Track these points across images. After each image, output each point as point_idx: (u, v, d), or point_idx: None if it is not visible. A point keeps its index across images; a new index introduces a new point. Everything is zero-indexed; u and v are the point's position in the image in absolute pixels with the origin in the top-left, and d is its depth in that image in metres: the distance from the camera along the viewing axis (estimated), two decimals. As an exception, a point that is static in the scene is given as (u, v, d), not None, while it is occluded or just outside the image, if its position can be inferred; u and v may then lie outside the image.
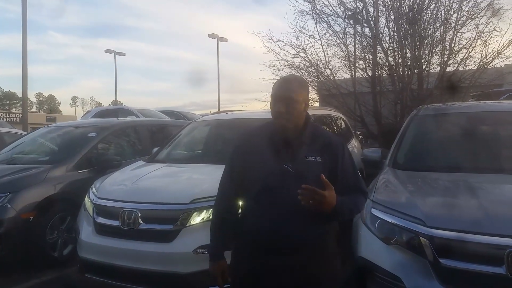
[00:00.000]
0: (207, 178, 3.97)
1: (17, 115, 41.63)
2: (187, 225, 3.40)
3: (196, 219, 3.42)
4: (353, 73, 9.34)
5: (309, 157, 2.07)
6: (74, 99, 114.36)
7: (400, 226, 2.74)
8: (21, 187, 4.78)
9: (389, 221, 2.83)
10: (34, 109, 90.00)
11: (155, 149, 5.28)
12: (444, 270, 2.47)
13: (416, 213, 2.73)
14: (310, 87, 9.53)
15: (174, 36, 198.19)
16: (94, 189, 4.11)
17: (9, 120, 35.41)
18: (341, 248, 2.35)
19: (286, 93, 2.07)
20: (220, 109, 21.72)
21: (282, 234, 2.02)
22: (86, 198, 4.12)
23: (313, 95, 10.13)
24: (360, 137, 9.26)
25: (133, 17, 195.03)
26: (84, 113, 17.83)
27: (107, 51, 34.44)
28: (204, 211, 3.43)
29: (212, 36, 29.55)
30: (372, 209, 3.00)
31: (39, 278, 4.56)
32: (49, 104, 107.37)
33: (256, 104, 9.78)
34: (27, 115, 16.07)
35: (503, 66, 8.82)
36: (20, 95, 17.90)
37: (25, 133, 8.87)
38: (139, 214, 3.51)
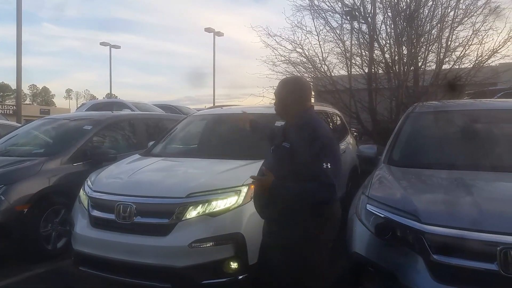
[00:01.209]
0: (203, 172, 3.99)
1: (11, 107, 41.29)
2: (183, 219, 3.40)
3: (192, 213, 3.42)
4: (349, 69, 9.34)
5: (284, 143, 2.56)
6: (68, 91, 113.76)
7: (395, 222, 2.76)
8: (15, 179, 4.76)
9: (384, 217, 2.85)
10: (27, 101, 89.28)
11: (151, 143, 5.27)
12: (438, 266, 2.49)
13: (410, 209, 2.74)
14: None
15: (170, 30, 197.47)
16: (89, 182, 4.09)
17: (2, 112, 35.12)
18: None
19: (277, 90, 2.70)
20: (216, 104, 21.72)
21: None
22: (81, 191, 4.11)
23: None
24: (355, 133, 9.26)
25: (129, 10, 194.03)
26: (79, 106, 17.74)
27: (102, 43, 34.29)
28: (200, 205, 3.44)
29: (208, 30, 29.50)
30: (367, 205, 3.02)
31: (32, 271, 4.55)
32: (43, 97, 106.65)
33: (251, 99, 9.75)
34: (21, 107, 15.98)
35: (497, 64, 8.85)
36: (14, 87, 17.79)
37: (19, 125, 8.82)
38: (135, 208, 3.50)
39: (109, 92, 37.25)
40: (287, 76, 8.68)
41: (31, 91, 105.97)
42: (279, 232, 2.55)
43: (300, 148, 2.44)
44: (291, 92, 2.64)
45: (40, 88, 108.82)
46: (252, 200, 2.87)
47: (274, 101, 2.74)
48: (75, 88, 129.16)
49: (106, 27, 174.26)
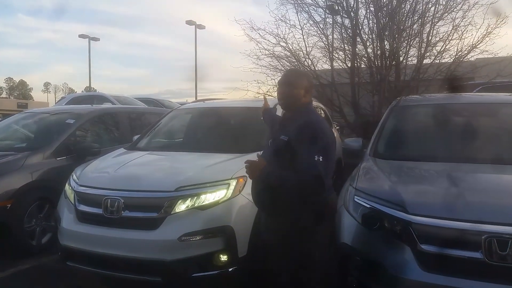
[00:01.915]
0: (191, 166, 3.98)
1: (-14, 101, 40.22)
2: (172, 212, 3.40)
3: (181, 206, 3.42)
4: (331, 63, 9.41)
5: (282, 136, 2.58)
6: (47, 85, 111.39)
7: (382, 213, 2.82)
8: (-3, 174, 4.66)
9: (372, 208, 2.91)
10: (4, 95, 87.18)
11: (136, 137, 5.23)
12: (425, 255, 2.56)
13: (397, 200, 2.81)
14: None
15: (150, 22, 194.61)
16: (75, 177, 4.05)
17: (-22, 106, 34.19)
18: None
19: (286, 79, 2.71)
20: (198, 98, 21.59)
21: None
22: (67, 186, 4.07)
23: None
24: (337, 127, 9.36)
25: (108, 2, 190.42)
26: (58, 99, 17.40)
27: (81, 36, 33.67)
28: (189, 199, 3.44)
29: (189, 23, 29.18)
30: (355, 196, 3.07)
31: (17, 267, 4.48)
32: (20, 90, 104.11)
33: (234, 93, 9.75)
34: (-1, 101, 15.60)
35: (474, 59, 9.04)
36: (-11, 80, 17.26)
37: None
38: (122, 202, 3.49)
39: (88, 85, 36.68)
40: (291, 67, 8.74)
41: (7, 85, 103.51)
42: (276, 226, 2.58)
43: (298, 142, 2.46)
44: (300, 84, 2.65)
45: (17, 82, 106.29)
46: (240, 193, 3.02)
47: (279, 88, 2.72)
48: (54, 82, 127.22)
49: (85, 19, 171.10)
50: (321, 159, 2.38)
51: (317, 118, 2.65)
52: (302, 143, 2.44)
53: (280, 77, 2.78)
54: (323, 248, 2.64)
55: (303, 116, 2.59)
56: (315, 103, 6.95)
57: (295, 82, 2.65)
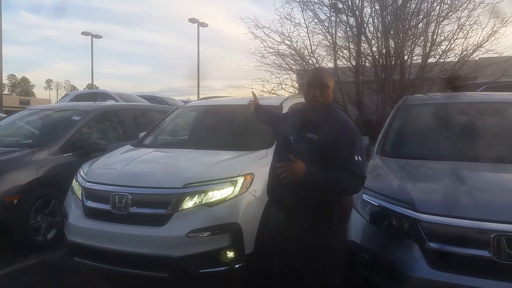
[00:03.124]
0: (198, 163, 3.99)
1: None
2: (179, 209, 3.41)
3: (189, 203, 3.43)
4: (335, 62, 9.41)
5: (310, 134, 2.52)
6: (49, 82, 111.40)
7: (391, 211, 2.84)
8: (4, 170, 4.68)
9: (380, 206, 2.93)
10: (6, 92, 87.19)
11: (142, 134, 5.25)
12: (433, 253, 2.58)
13: (406, 198, 2.82)
14: (295, 75, 9.64)
15: (153, 20, 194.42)
16: (82, 173, 4.07)
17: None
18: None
19: (320, 79, 2.60)
20: (200, 96, 21.61)
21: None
22: (74, 182, 4.08)
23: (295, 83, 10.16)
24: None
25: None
26: (62, 96, 17.41)
27: (84, 33, 33.62)
28: (197, 196, 3.45)
29: (192, 20, 29.20)
30: (363, 194, 3.08)
31: (23, 262, 4.50)
32: (22, 87, 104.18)
33: (239, 91, 9.75)
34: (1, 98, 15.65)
35: (478, 59, 9.02)
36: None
37: (4, 115, 8.65)
38: (131, 198, 3.50)
39: (90, 82, 36.69)
40: (306, 68, 8.72)
41: (9, 81, 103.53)
42: (299, 223, 2.53)
43: (330, 140, 2.44)
44: (331, 84, 2.61)
45: (19, 78, 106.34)
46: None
47: (312, 89, 2.57)
48: (56, 79, 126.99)
49: (87, 17, 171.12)
50: (360, 159, 2.43)
51: (349, 119, 2.67)
52: (341, 144, 2.43)
53: (308, 77, 2.67)
54: (343, 245, 2.67)
55: (332, 116, 2.58)
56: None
57: (328, 82, 2.59)
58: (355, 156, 2.41)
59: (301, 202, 2.49)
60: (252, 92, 3.59)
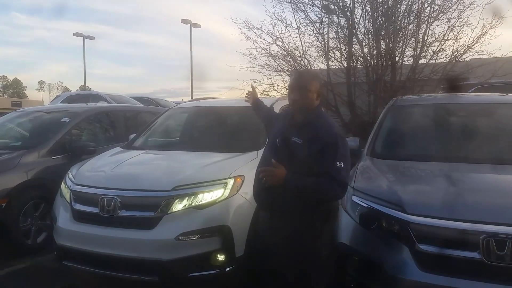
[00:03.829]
0: (188, 165, 3.97)
1: (-20, 99, 39.85)
2: (169, 212, 3.39)
3: (178, 206, 3.40)
4: (328, 63, 9.41)
5: (295, 138, 2.51)
6: (41, 83, 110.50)
7: (380, 213, 2.83)
8: (-8, 173, 4.62)
9: (369, 207, 2.91)
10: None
11: (132, 136, 5.21)
12: (423, 255, 2.57)
13: (395, 200, 2.81)
14: (287, 76, 9.62)
15: (145, 21, 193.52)
16: (71, 175, 4.02)
17: (-29, 104, 33.83)
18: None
19: (298, 83, 2.61)
20: (193, 97, 21.53)
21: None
22: (63, 185, 4.04)
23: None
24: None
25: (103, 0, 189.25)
26: (53, 98, 17.31)
27: (76, 34, 33.42)
28: (186, 198, 3.43)
29: (185, 21, 29.09)
30: (353, 196, 3.07)
31: (13, 266, 4.46)
32: (14, 89, 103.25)
33: (229, 93, 9.72)
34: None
35: (469, 60, 9.07)
36: (-17, 78, 17.06)
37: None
38: (119, 201, 3.47)
39: (83, 84, 36.41)
40: (297, 69, 8.72)
41: (1, 83, 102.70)
42: (281, 225, 2.53)
43: (314, 145, 2.43)
44: (313, 87, 2.58)
45: (11, 80, 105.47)
46: (252, 192, 2.82)
47: (293, 93, 2.58)
48: (48, 80, 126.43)
49: (80, 18, 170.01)
50: (342, 165, 2.41)
51: (333, 123, 2.65)
52: (323, 149, 2.42)
53: (291, 81, 2.68)
54: (329, 247, 2.66)
55: (317, 121, 2.57)
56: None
57: (309, 86, 2.57)
58: (337, 162, 2.40)
59: (285, 205, 2.48)
60: (251, 85, 3.63)
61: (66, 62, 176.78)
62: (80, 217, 3.66)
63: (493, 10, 8.03)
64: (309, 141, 2.46)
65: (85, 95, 12.94)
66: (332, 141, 2.45)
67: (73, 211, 3.70)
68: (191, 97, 24.60)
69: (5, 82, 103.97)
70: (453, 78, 7.91)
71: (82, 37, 33.41)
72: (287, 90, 2.69)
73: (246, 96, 3.65)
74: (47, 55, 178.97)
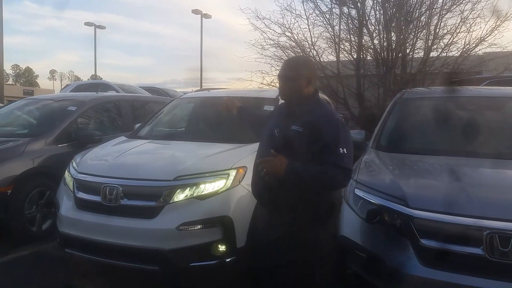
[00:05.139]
0: (191, 155, 3.95)
1: (-8, 87, 40.22)
2: (170, 201, 3.37)
3: (180, 196, 3.39)
4: (338, 54, 9.30)
5: (294, 126, 2.42)
6: (52, 72, 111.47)
7: (383, 207, 2.78)
8: (-2, 160, 4.65)
9: (372, 201, 2.87)
10: (10, 82, 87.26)
11: (137, 125, 5.20)
12: (425, 250, 2.53)
13: (398, 193, 2.76)
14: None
15: (157, 11, 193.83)
16: (74, 164, 4.03)
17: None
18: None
19: (281, 72, 2.54)
20: (203, 88, 21.50)
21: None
22: (66, 173, 4.05)
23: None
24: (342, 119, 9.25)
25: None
26: (63, 87, 17.40)
27: (87, 23, 33.56)
28: (188, 188, 3.41)
29: (195, 12, 29.01)
30: (355, 189, 3.03)
31: (17, 253, 4.49)
32: (26, 77, 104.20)
33: (239, 83, 9.67)
34: (3, 88, 15.64)
35: (482, 53, 8.90)
36: (-5, 66, 17.25)
37: (1, 105, 8.62)
38: (121, 190, 3.46)
39: (93, 73, 36.69)
40: (291, 57, 8.64)
41: (13, 71, 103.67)
42: (280, 220, 2.45)
43: (315, 132, 2.35)
44: (300, 76, 2.48)
45: (23, 69, 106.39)
46: (250, 184, 2.71)
47: (279, 82, 2.55)
48: (59, 69, 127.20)
49: (91, 7, 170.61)
50: (345, 151, 2.33)
51: (333, 110, 2.61)
52: (325, 136, 2.34)
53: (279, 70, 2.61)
54: (333, 241, 2.60)
55: (315, 108, 2.48)
56: (320, 94, 6.90)
57: (294, 74, 2.48)
58: (340, 149, 2.31)
59: (284, 199, 2.40)
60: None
61: (78, 51, 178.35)
62: (82, 205, 3.67)
63: (508, 1, 7.87)
64: (310, 128, 2.38)
65: (95, 85, 13.02)
66: (334, 128, 2.37)
67: (76, 199, 3.71)
68: (201, 87, 24.58)
69: (18, 71, 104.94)
70: (454, 72, 7.77)
71: (93, 27, 33.56)
72: None
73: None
74: (58, 44, 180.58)
